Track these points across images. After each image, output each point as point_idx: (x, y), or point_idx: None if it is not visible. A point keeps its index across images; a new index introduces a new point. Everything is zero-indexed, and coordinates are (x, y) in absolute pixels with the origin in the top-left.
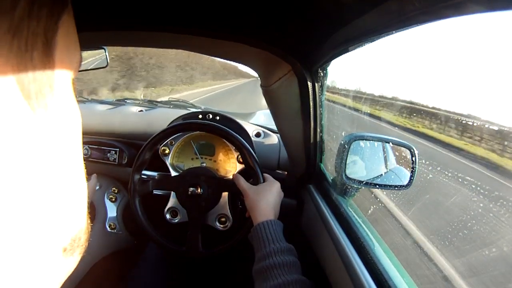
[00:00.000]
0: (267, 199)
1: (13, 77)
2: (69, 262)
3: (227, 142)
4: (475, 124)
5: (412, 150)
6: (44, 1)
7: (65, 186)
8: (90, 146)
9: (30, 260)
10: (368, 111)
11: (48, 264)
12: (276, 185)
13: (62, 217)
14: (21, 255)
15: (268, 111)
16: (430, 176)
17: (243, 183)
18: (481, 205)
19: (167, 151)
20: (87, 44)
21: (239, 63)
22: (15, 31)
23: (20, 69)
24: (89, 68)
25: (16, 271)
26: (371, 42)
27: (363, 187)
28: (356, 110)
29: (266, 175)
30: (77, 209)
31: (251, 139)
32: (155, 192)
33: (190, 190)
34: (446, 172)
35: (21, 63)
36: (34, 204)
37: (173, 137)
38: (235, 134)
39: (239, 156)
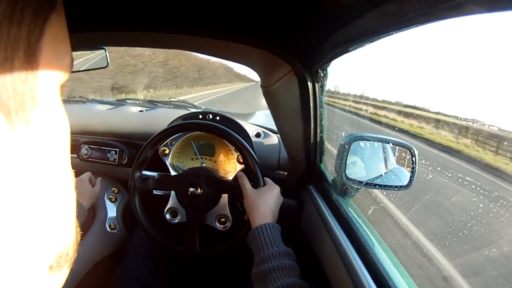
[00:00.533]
0: (266, 202)
1: None
2: (57, 278)
3: (227, 143)
4: (475, 126)
5: (412, 151)
6: (28, 2)
7: (51, 201)
8: (90, 146)
9: (13, 280)
10: (368, 113)
11: (33, 284)
12: (276, 189)
13: (46, 235)
14: (3, 276)
15: (268, 111)
16: (430, 176)
17: (246, 183)
18: (481, 205)
19: (167, 151)
20: (87, 44)
21: (239, 63)
22: None
23: None
24: (82, 68)
25: None
26: (371, 42)
27: (363, 188)
28: (356, 111)
29: (266, 178)
30: (64, 224)
31: (251, 139)
32: (155, 192)
33: (190, 190)
34: (446, 173)
35: (0, 75)
36: (16, 225)
37: (173, 137)
38: (235, 134)
39: (239, 157)
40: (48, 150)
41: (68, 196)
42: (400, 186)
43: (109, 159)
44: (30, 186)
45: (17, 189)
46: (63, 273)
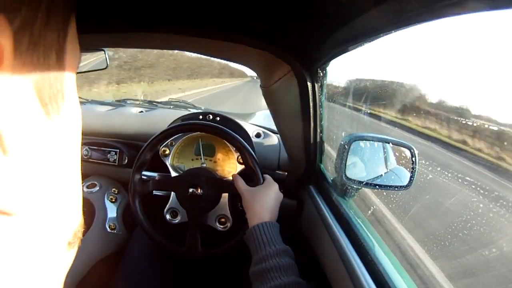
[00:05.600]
0: (262, 201)
1: (33, 90)
2: (71, 254)
3: (227, 143)
4: (475, 124)
5: (412, 150)
6: (58, 10)
7: (69, 184)
8: (90, 147)
9: (40, 257)
10: (368, 111)
11: (55, 259)
12: (274, 187)
13: (66, 213)
14: (32, 253)
15: (268, 111)
16: (430, 176)
17: (241, 184)
18: (481, 205)
19: (167, 152)
20: (87, 45)
21: (239, 63)
22: (34, 46)
23: (38, 81)
24: (84, 70)
25: (30, 269)
26: (371, 41)
27: (363, 188)
28: (357, 110)
29: (265, 175)
30: (76, 205)
31: (251, 139)
32: (155, 192)
33: (190, 190)
34: (446, 173)
35: (39, 75)
36: (46, 207)
37: (173, 138)
38: (235, 134)
39: (239, 157)
40: (70, 136)
41: (78, 177)
42: (400, 186)
43: (109, 160)
44: (58, 168)
45: (50, 170)
46: (75, 250)
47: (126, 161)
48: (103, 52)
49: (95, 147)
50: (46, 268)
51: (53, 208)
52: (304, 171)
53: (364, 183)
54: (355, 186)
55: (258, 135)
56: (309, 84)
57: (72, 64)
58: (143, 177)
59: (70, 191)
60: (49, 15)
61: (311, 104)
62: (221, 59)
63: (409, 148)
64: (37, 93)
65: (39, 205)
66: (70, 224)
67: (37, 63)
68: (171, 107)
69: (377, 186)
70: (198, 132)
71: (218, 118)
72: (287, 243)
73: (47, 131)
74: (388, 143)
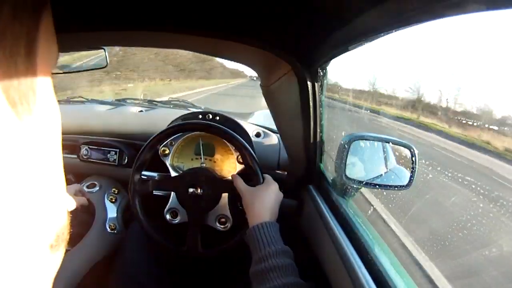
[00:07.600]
0: (262, 201)
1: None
2: (56, 257)
3: (227, 143)
4: (475, 124)
5: (412, 150)
6: (27, 4)
7: (48, 185)
8: (90, 146)
9: (20, 261)
10: (368, 109)
11: (38, 263)
12: (273, 186)
13: (46, 217)
14: (11, 257)
15: (268, 111)
16: (430, 176)
17: (240, 184)
18: (481, 205)
19: (167, 152)
20: (87, 44)
21: (239, 62)
22: (0, 40)
23: (5, 78)
24: (82, 68)
25: (7, 273)
26: (371, 41)
27: (363, 187)
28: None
29: (265, 175)
30: (58, 206)
31: (251, 139)
32: (155, 192)
33: (190, 190)
34: (446, 172)
35: (6, 71)
36: (21, 207)
37: (173, 137)
38: (235, 134)
39: (239, 157)
40: (47, 136)
41: (60, 179)
42: (400, 186)
43: (109, 160)
44: (33, 170)
45: (23, 173)
46: (60, 253)
47: (126, 160)
48: (103, 50)
49: (94, 147)
50: (27, 273)
51: (30, 213)
52: (304, 171)
53: (364, 182)
54: (355, 186)
55: (258, 135)
56: (309, 83)
57: (46, 60)
58: (143, 177)
59: (50, 193)
60: (16, 9)
61: (311, 104)
62: (222, 58)
63: (409, 148)
64: (4, 91)
65: (13, 211)
66: (51, 227)
67: (3, 59)
68: (171, 106)
69: (377, 186)
70: (198, 132)
71: (217, 118)
72: (287, 243)
73: (18, 133)
74: (388, 142)
